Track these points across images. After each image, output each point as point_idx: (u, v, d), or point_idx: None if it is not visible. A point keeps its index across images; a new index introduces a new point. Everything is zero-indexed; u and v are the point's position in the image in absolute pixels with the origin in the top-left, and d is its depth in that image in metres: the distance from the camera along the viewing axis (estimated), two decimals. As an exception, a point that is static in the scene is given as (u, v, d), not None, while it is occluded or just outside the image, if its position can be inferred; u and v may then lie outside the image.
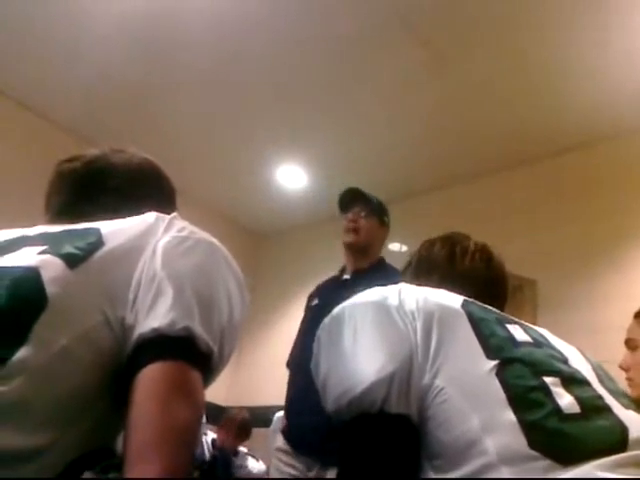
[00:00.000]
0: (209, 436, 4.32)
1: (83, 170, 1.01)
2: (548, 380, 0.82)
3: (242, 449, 4.39)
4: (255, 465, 4.33)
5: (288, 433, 2.40)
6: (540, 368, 0.85)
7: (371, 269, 2.51)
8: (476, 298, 0.99)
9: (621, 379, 1.65)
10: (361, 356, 0.86)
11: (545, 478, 0.71)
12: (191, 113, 4.50)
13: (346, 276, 2.58)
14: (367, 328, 0.90)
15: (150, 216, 0.86)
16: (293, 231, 5.87)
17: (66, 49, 3.95)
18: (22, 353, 0.65)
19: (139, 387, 0.68)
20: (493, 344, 0.87)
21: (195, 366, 0.71)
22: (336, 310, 0.97)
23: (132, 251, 0.79)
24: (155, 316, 0.72)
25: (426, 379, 0.83)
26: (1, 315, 0.68)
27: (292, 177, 5.20)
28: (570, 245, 3.96)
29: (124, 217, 0.87)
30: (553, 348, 0.93)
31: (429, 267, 1.18)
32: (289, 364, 2.62)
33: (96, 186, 1.01)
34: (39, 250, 0.77)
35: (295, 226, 5.80)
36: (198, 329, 0.73)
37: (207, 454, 4.18)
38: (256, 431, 4.37)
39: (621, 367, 1.78)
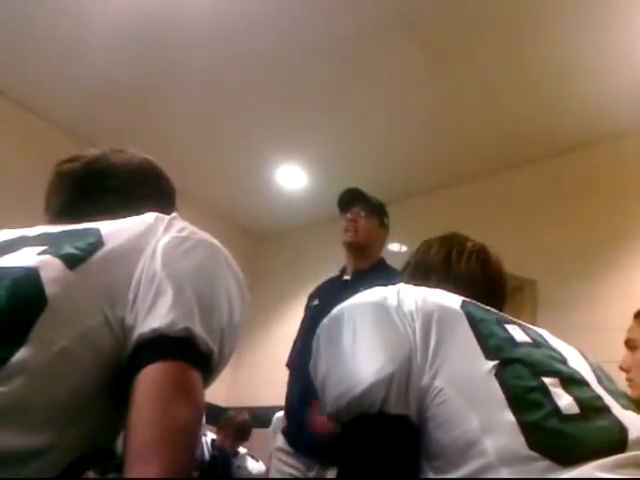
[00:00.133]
0: (209, 437, 4.32)
1: (83, 170, 1.01)
2: (547, 381, 0.82)
3: (242, 450, 4.39)
4: (255, 466, 4.34)
5: (288, 433, 2.40)
6: (539, 369, 0.85)
7: (371, 269, 2.51)
8: (474, 299, 0.99)
9: (621, 380, 1.65)
10: (360, 357, 0.86)
11: (544, 478, 0.71)
12: (191, 113, 4.50)
13: (346, 277, 2.58)
14: (366, 329, 0.90)
15: (150, 216, 0.86)
16: (293, 231, 5.87)
17: (66, 49, 3.95)
18: (22, 354, 0.65)
19: (139, 387, 0.68)
20: (492, 345, 0.87)
21: (195, 366, 0.71)
22: (335, 311, 0.97)
23: (132, 251, 0.79)
24: (155, 316, 0.72)
25: (425, 380, 0.83)
26: (1, 315, 0.68)
27: (292, 177, 5.20)
28: (570, 245, 3.96)
29: (124, 217, 0.87)
30: (552, 349, 0.93)
31: (426, 269, 1.18)
32: (289, 364, 2.62)
33: (96, 186, 1.01)
34: (39, 250, 0.77)
35: (295, 226, 5.80)
36: (198, 329, 0.73)
37: (207, 455, 4.18)
38: (256, 432, 4.37)
39: (621, 368, 1.77)
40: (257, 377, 5.40)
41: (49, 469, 0.65)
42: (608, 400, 0.84)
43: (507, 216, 4.34)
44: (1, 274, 0.72)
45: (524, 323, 0.99)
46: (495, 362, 0.83)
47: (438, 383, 0.82)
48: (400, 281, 1.11)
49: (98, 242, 0.79)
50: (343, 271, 2.64)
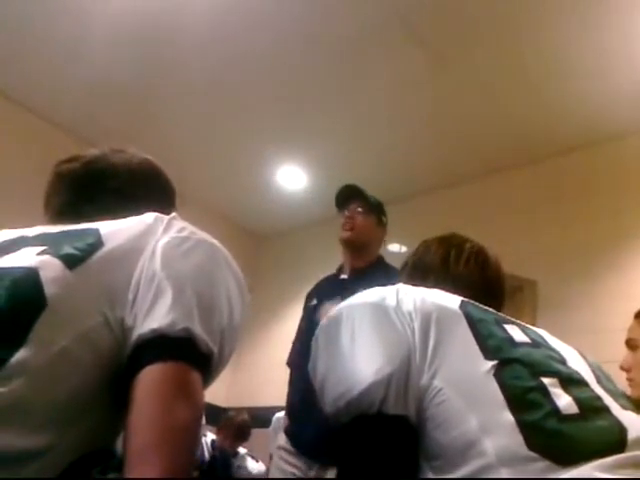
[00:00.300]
0: (209, 437, 4.33)
1: (82, 170, 1.01)
2: (546, 381, 0.82)
3: (241, 450, 4.39)
4: (254, 466, 4.34)
5: (290, 432, 2.40)
6: (538, 369, 0.84)
7: (370, 268, 2.50)
8: (473, 300, 0.99)
9: (621, 380, 1.65)
10: (359, 357, 0.86)
11: (544, 478, 0.71)
12: (191, 113, 4.50)
13: (344, 275, 2.57)
14: (365, 329, 0.89)
15: (149, 216, 0.86)
16: (293, 232, 5.87)
17: (66, 49, 3.95)
18: (21, 354, 0.65)
19: (139, 388, 0.68)
20: (491, 345, 0.87)
21: (195, 367, 0.71)
22: (333, 311, 0.97)
23: (131, 252, 0.79)
24: (155, 317, 0.72)
25: (424, 380, 0.83)
26: (0, 316, 0.68)
27: (292, 178, 5.20)
28: (570, 245, 3.96)
29: (124, 217, 0.87)
30: (551, 349, 0.93)
31: (424, 269, 1.18)
32: (289, 363, 2.62)
33: (96, 186, 1.01)
34: (38, 251, 0.77)
35: (295, 227, 5.80)
36: (198, 330, 0.73)
37: (207, 455, 4.18)
38: (256, 432, 4.37)
39: (622, 368, 1.77)
40: (257, 377, 5.40)
41: (49, 469, 0.65)
42: (607, 400, 0.84)
43: (507, 216, 4.34)
44: (1, 274, 0.72)
45: (523, 323, 0.99)
46: (494, 362, 0.83)
47: (437, 383, 0.82)
48: (399, 281, 1.11)
49: (97, 242, 0.79)
50: (340, 270, 2.63)
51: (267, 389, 4.96)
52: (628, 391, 1.67)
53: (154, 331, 0.71)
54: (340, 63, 3.86)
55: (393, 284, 1.01)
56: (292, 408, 2.44)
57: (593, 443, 0.75)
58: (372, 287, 1.00)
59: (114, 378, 0.71)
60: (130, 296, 0.74)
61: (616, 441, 0.76)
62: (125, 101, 4.42)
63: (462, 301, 0.96)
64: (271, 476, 2.52)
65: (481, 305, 0.98)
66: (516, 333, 0.92)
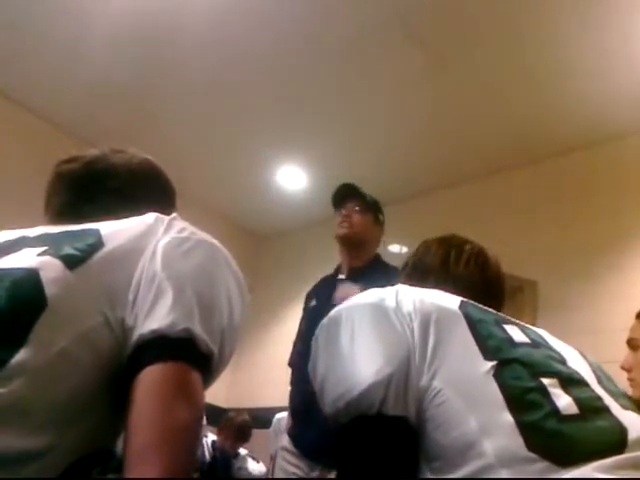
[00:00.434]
0: (209, 438, 4.32)
1: (83, 171, 1.01)
2: (546, 381, 0.82)
3: (242, 451, 4.39)
4: (255, 467, 4.33)
5: (292, 433, 2.40)
6: (538, 369, 0.84)
7: (367, 268, 2.49)
8: (473, 301, 0.99)
9: (622, 380, 1.65)
10: (358, 358, 0.86)
11: (544, 479, 0.71)
12: (191, 113, 4.50)
13: (341, 276, 2.56)
14: (364, 330, 0.89)
15: (149, 217, 0.86)
16: (293, 232, 5.87)
17: (66, 49, 3.95)
18: (21, 355, 0.65)
19: (139, 388, 0.68)
20: (491, 345, 0.87)
21: (195, 367, 0.71)
22: (333, 312, 0.97)
23: (132, 252, 0.79)
24: (155, 317, 0.72)
25: (424, 381, 0.83)
26: (1, 316, 0.68)
27: (292, 178, 5.20)
28: (570, 246, 3.96)
29: (124, 218, 0.87)
30: (551, 349, 0.93)
31: (424, 270, 1.18)
32: (291, 363, 2.62)
33: (96, 186, 1.01)
34: (39, 251, 0.77)
35: (295, 227, 5.79)
36: (198, 330, 0.73)
37: (207, 456, 4.18)
38: (256, 432, 4.37)
39: (623, 368, 1.77)
40: (257, 378, 5.40)
41: (49, 470, 0.65)
42: (608, 400, 0.84)
43: (507, 216, 4.34)
44: (1, 275, 0.72)
45: (523, 323, 0.99)
46: (493, 363, 0.83)
47: (437, 384, 0.82)
48: (399, 281, 1.11)
49: (98, 243, 0.79)
50: (338, 270, 2.63)
51: (267, 390, 4.96)
52: (629, 391, 1.67)
53: (154, 331, 0.71)
54: (340, 63, 3.86)
55: (392, 283, 1.01)
56: (294, 409, 2.44)
57: (593, 443, 0.75)
58: (370, 287, 1.00)
59: (114, 378, 0.71)
60: (130, 296, 0.75)
61: (616, 441, 0.76)
62: (125, 101, 4.42)
63: (462, 301, 0.96)
64: (274, 477, 2.52)
65: (481, 305, 0.98)
66: (516, 333, 0.92)
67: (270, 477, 3.52)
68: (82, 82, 4.18)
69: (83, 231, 0.83)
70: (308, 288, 2.75)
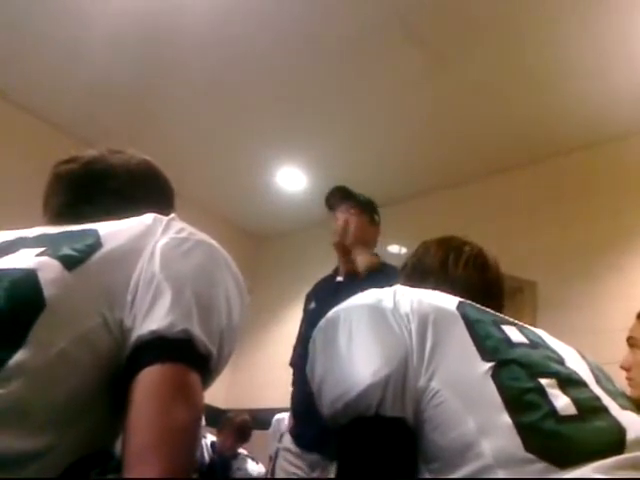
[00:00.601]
0: (208, 439, 4.32)
1: (81, 171, 1.01)
2: (544, 381, 0.82)
3: (242, 451, 4.39)
4: (254, 468, 4.33)
5: (294, 433, 2.40)
6: (536, 369, 0.84)
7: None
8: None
9: (622, 380, 1.65)
10: (356, 359, 0.86)
11: (542, 478, 0.71)
12: (191, 113, 4.50)
13: (339, 278, 2.56)
14: (362, 331, 0.89)
15: (148, 217, 0.86)
16: (292, 233, 5.87)
17: (66, 49, 3.95)
18: (20, 356, 0.65)
19: (138, 389, 0.68)
20: (489, 346, 0.87)
21: (194, 368, 0.71)
22: (331, 313, 0.97)
23: (130, 253, 0.79)
24: (154, 318, 0.72)
25: (421, 382, 0.83)
26: None
27: (292, 179, 5.20)
28: (570, 246, 3.96)
29: (123, 218, 0.87)
30: (550, 349, 0.93)
31: (423, 271, 1.18)
32: (292, 364, 2.61)
33: (95, 187, 1.00)
34: (37, 252, 0.77)
35: (295, 228, 5.79)
36: (197, 331, 0.73)
37: (207, 457, 4.17)
38: (256, 433, 4.36)
39: (622, 367, 1.77)
40: (257, 379, 5.40)
41: (48, 471, 0.65)
42: (606, 400, 0.84)
43: (507, 217, 4.34)
44: (0, 275, 0.72)
45: (521, 324, 0.99)
46: (491, 363, 0.83)
47: (434, 385, 0.82)
48: (398, 282, 1.11)
49: (96, 243, 0.79)
50: (336, 270, 2.62)
51: (267, 391, 4.97)
52: (628, 391, 1.67)
53: (153, 332, 0.71)
54: (340, 63, 3.86)
55: (391, 283, 1.01)
56: (296, 409, 2.44)
57: (591, 444, 0.75)
58: (369, 288, 1.00)
59: (113, 379, 0.71)
60: (129, 297, 0.74)
61: (615, 441, 0.76)
62: (125, 101, 4.42)
63: (459, 302, 0.95)
64: (276, 477, 2.53)
65: (479, 306, 0.98)
66: (513, 334, 0.92)
67: (270, 477, 3.52)
68: (82, 82, 4.18)
69: (82, 232, 0.83)
70: (308, 289, 2.75)
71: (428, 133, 4.38)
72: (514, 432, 0.75)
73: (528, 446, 0.73)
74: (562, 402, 0.79)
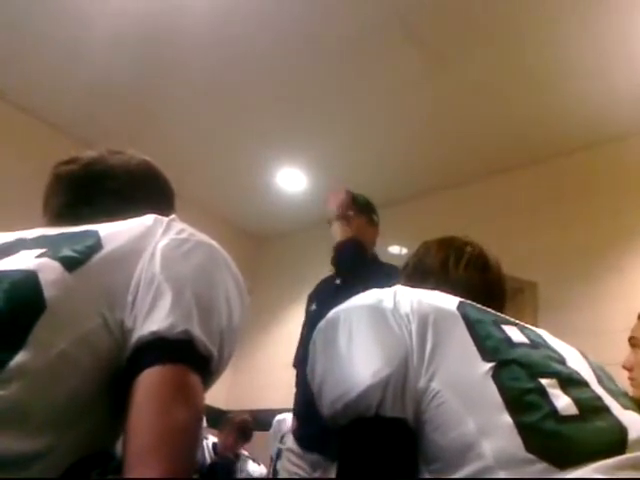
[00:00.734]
0: (209, 440, 4.31)
1: (81, 172, 1.01)
2: (545, 382, 0.82)
3: (243, 452, 4.38)
4: (256, 469, 4.32)
5: (297, 434, 2.40)
6: (536, 370, 0.84)
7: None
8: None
9: (623, 381, 1.65)
10: (356, 359, 0.86)
11: (543, 479, 0.71)
12: (191, 114, 4.50)
13: (338, 280, 2.55)
14: (362, 331, 0.89)
15: (148, 218, 0.86)
16: (293, 234, 5.87)
17: (66, 49, 3.95)
18: (21, 357, 0.65)
19: (138, 390, 0.68)
20: (489, 346, 0.87)
21: (194, 369, 0.71)
22: (331, 313, 0.97)
23: (131, 254, 0.79)
24: (154, 319, 0.72)
25: (422, 382, 0.82)
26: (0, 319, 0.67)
27: (292, 180, 5.20)
28: (571, 247, 3.95)
29: (123, 219, 0.86)
30: (551, 349, 0.93)
31: (424, 272, 1.18)
32: (295, 364, 2.61)
33: (95, 188, 1.00)
34: (37, 253, 0.77)
35: (295, 229, 5.79)
36: (197, 332, 0.73)
37: (208, 458, 4.17)
38: (257, 434, 4.36)
39: (624, 367, 1.77)
40: (257, 380, 5.40)
41: (48, 472, 0.65)
42: (608, 400, 0.83)
43: (507, 217, 4.33)
44: (0, 277, 0.72)
45: (522, 324, 0.98)
46: (492, 364, 0.83)
47: (435, 385, 0.82)
48: (399, 282, 1.11)
49: (97, 244, 0.79)
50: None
51: (268, 391, 4.97)
52: (629, 391, 1.66)
53: (153, 333, 0.71)
54: (340, 63, 3.85)
55: (391, 283, 1.01)
56: (299, 410, 2.44)
57: (592, 444, 0.75)
58: (369, 288, 0.99)
59: (113, 380, 0.71)
60: (129, 298, 0.74)
61: (616, 441, 0.75)
62: (125, 101, 4.42)
63: (460, 302, 0.95)
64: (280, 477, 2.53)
65: (479, 306, 0.98)
66: (514, 334, 0.92)
67: (271, 478, 3.52)
68: (82, 82, 4.18)
69: (82, 233, 0.83)
70: (308, 289, 2.74)
71: (428, 133, 4.38)
72: (515, 432, 0.75)
73: (529, 446, 0.73)
74: (563, 402, 0.79)
